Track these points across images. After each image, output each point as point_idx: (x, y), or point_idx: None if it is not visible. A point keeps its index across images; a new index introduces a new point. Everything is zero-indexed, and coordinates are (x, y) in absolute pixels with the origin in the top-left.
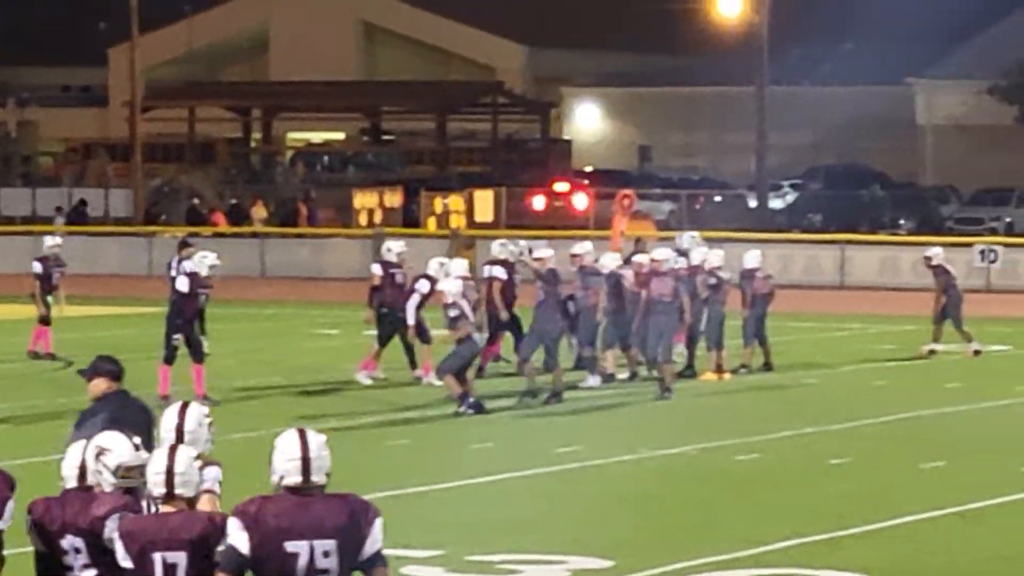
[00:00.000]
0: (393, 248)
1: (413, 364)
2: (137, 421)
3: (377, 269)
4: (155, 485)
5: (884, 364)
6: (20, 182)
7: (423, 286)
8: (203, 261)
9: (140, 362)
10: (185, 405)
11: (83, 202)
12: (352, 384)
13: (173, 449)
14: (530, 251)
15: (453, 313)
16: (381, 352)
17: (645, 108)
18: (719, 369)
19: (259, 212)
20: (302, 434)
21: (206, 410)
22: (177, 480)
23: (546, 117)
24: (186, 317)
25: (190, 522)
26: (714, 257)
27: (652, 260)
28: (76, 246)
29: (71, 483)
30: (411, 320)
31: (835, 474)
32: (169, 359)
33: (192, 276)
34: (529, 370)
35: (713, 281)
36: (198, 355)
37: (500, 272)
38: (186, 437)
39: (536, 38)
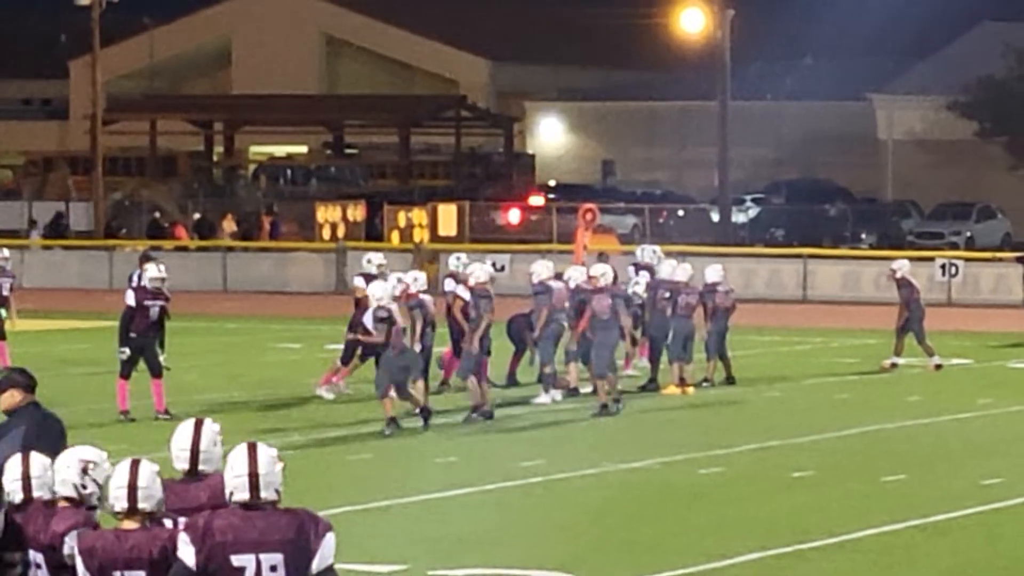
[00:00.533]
0: (373, 260)
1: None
2: (54, 433)
3: (360, 282)
4: (117, 500)
5: (846, 378)
6: None
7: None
8: (145, 274)
9: (101, 376)
10: (199, 423)
11: (60, 215)
12: (315, 398)
13: (136, 463)
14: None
15: (381, 315)
16: (349, 367)
17: (608, 123)
18: (682, 383)
19: (229, 226)
20: (252, 449)
21: (217, 427)
22: (140, 495)
23: (509, 131)
24: (137, 330)
25: (150, 540)
26: (681, 272)
27: (589, 277)
28: (38, 259)
29: (17, 497)
30: (369, 325)
31: (798, 487)
32: (124, 373)
33: (138, 289)
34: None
35: (667, 295)
36: (155, 370)
37: (463, 291)
38: (201, 456)
39: (500, 52)
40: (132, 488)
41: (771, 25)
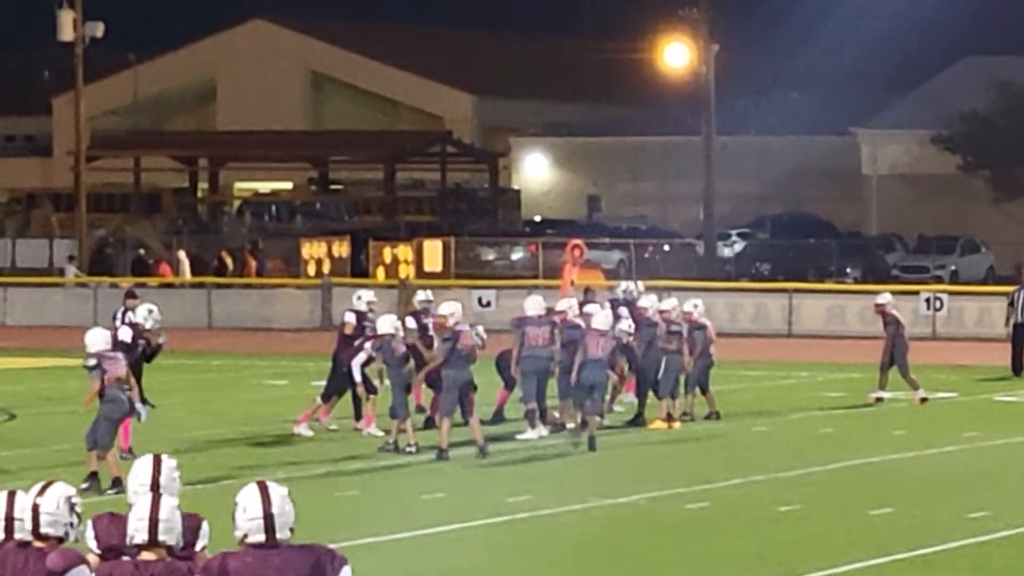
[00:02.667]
0: (364, 297)
1: (358, 416)
2: None
3: (351, 317)
4: (138, 532)
5: (832, 412)
6: None
7: (372, 347)
8: (150, 316)
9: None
10: (158, 459)
11: (104, 243)
12: (299, 436)
13: (157, 498)
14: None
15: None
16: (334, 403)
17: (593, 158)
18: (669, 418)
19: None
20: (263, 489)
21: (174, 463)
22: (161, 527)
23: (495, 166)
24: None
25: (169, 572)
26: (668, 306)
27: (581, 314)
28: (19, 297)
29: None
30: (357, 378)
31: (784, 521)
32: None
33: (135, 327)
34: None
35: (676, 329)
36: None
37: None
38: (162, 490)
39: (484, 88)
40: (154, 521)
41: (755, 60)
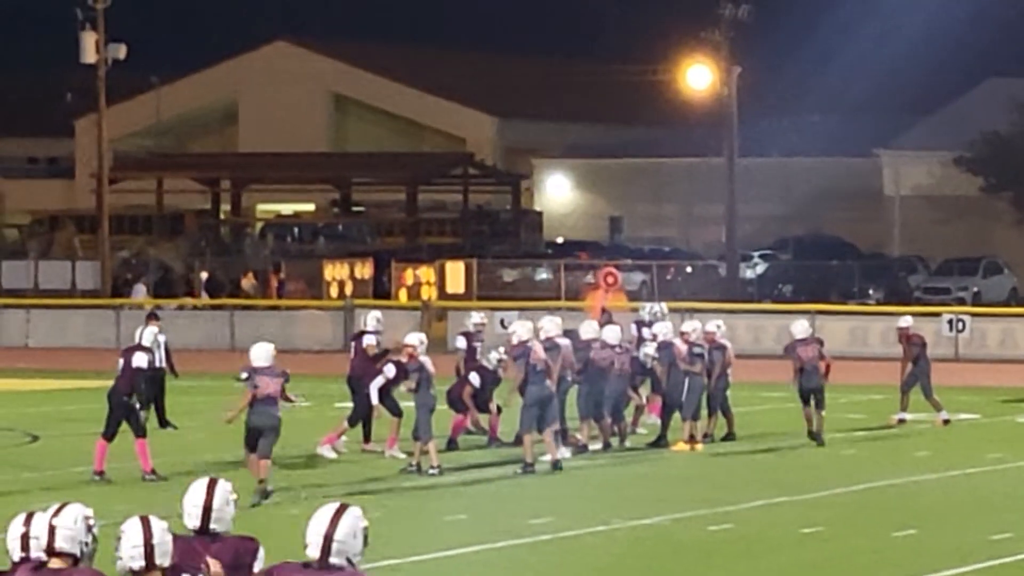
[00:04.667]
0: (381, 319)
1: (367, 438)
2: None
3: (372, 340)
4: (133, 559)
5: (854, 433)
6: None
7: (390, 370)
8: (159, 339)
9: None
10: (213, 482)
11: (167, 270)
12: (322, 457)
13: (146, 520)
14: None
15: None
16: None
17: (615, 179)
18: (691, 440)
19: (248, 283)
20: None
21: (229, 486)
22: (157, 552)
23: (517, 188)
24: (125, 391)
25: None
26: (689, 327)
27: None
28: (41, 319)
29: (16, 555)
30: (374, 400)
31: (807, 543)
32: (141, 432)
33: (150, 352)
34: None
35: (698, 351)
36: (140, 429)
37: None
38: (213, 515)
39: (507, 109)
40: (148, 546)
41: (778, 82)
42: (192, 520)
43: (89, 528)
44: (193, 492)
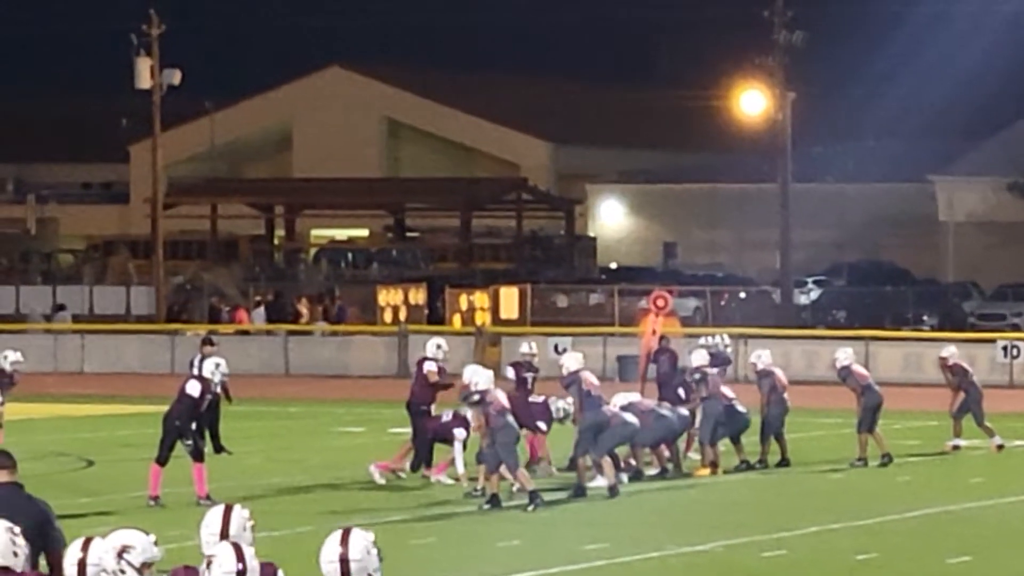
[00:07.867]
0: (443, 346)
1: (428, 464)
2: (34, 513)
3: (432, 367)
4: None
5: (909, 459)
6: (40, 279)
7: (460, 433)
8: (217, 370)
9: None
10: (229, 509)
11: (279, 294)
12: (373, 480)
13: (238, 547)
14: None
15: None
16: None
17: (669, 205)
18: (713, 465)
19: (304, 309)
20: (345, 535)
21: (246, 513)
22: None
23: (570, 213)
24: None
25: None
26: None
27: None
28: (96, 344)
29: None
30: (458, 452)
31: (862, 570)
32: (198, 456)
33: (204, 381)
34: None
35: (698, 377)
36: (199, 454)
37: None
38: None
39: (560, 135)
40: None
41: (832, 107)
42: (210, 548)
43: (121, 556)
44: (210, 519)
